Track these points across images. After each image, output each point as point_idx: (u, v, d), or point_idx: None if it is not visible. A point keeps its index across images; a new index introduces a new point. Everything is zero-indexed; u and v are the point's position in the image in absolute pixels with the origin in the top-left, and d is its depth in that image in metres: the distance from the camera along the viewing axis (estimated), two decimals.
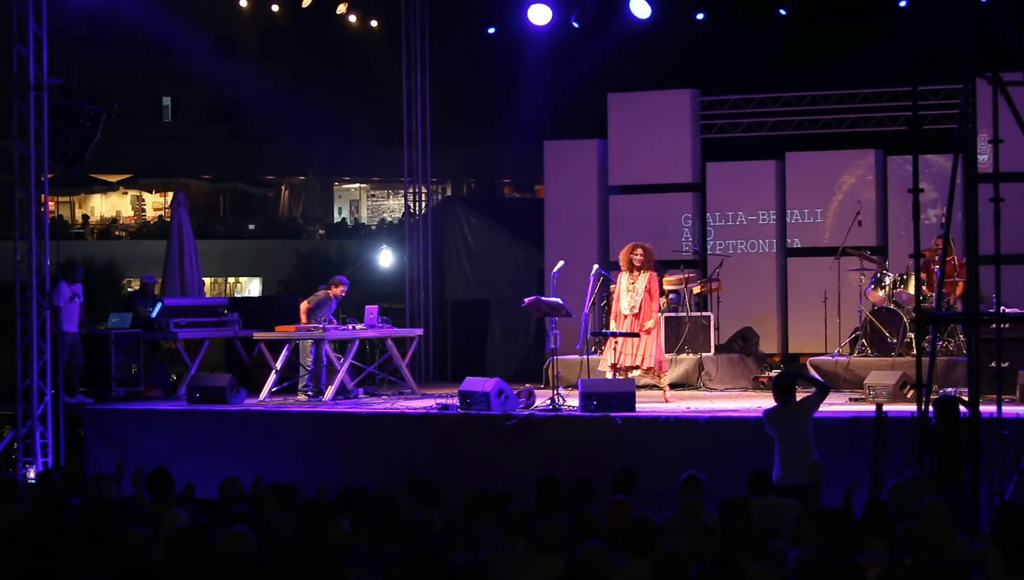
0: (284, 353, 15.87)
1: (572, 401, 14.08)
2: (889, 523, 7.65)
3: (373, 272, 26.91)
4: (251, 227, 39.30)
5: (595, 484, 9.08)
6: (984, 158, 13.14)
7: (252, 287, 36.33)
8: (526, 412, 13.81)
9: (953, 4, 11.20)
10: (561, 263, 15.14)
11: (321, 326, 15.80)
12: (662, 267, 16.17)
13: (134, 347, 16.62)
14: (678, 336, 16.36)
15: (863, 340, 15.62)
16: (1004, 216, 10.31)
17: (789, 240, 18.12)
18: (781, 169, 18.16)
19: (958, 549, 7.24)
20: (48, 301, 15.00)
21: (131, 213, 41.38)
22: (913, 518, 7.65)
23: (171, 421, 15.11)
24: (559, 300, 14.46)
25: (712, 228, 18.38)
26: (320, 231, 38.92)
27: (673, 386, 15.30)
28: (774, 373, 14.43)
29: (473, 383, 14.15)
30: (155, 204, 41.21)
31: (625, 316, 14.67)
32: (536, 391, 14.58)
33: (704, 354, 16.34)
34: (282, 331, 15.95)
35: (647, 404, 14.07)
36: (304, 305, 16.30)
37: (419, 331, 17.84)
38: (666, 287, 16.43)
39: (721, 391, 15.89)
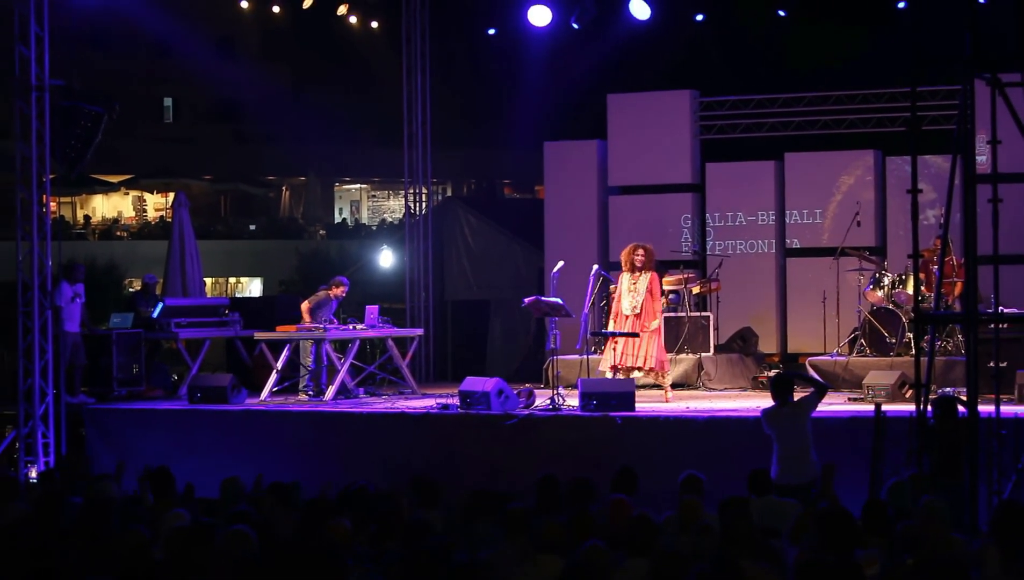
0: (285, 353, 15.90)
1: (572, 401, 14.11)
2: (888, 522, 7.69)
3: (374, 272, 26.94)
4: (252, 227, 39.33)
5: (595, 484, 9.09)
6: (982, 159, 13.17)
7: (253, 287, 36.37)
8: (526, 412, 13.84)
9: (952, 5, 11.20)
10: (561, 263, 15.18)
11: (322, 326, 15.84)
12: (662, 267, 16.20)
13: (135, 347, 16.65)
14: (677, 336, 16.39)
15: (862, 340, 15.65)
16: (1002, 217, 10.35)
17: (788, 240, 18.15)
18: (780, 170, 18.19)
19: (956, 548, 7.25)
20: (50, 301, 15.04)
21: (132, 213, 41.41)
22: (911, 517, 7.69)
23: (172, 421, 15.14)
24: (559, 300, 14.50)
25: (711, 228, 18.41)
26: (321, 231, 38.96)
27: (672, 386, 15.32)
28: (773, 373, 14.45)
29: (473, 383, 14.18)
30: (156, 204, 41.26)
31: (626, 316, 14.69)
32: (536, 391, 14.61)
33: (703, 354, 16.37)
34: (283, 331, 15.98)
35: (647, 404, 14.10)
36: (305, 305, 16.33)
37: (419, 331, 17.88)
38: (666, 287, 16.45)
39: (720, 391, 15.92)
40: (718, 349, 16.65)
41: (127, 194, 41.50)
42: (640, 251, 14.86)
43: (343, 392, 15.73)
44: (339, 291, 16.42)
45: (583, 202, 18.87)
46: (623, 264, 14.92)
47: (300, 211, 42.05)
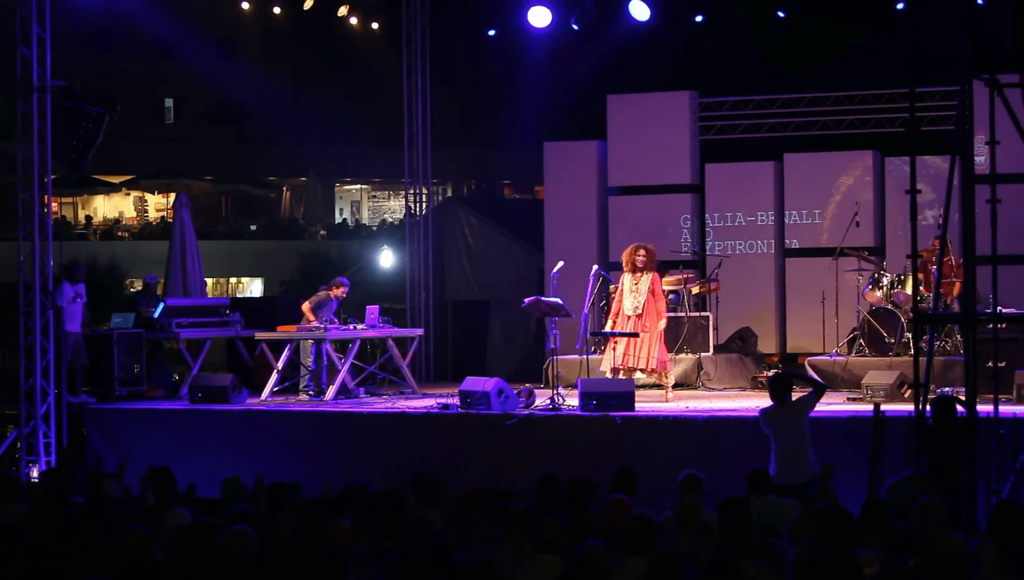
0: (286, 353, 15.93)
1: (572, 401, 14.14)
2: (887, 522, 7.71)
3: (374, 272, 26.96)
4: (253, 228, 39.37)
5: (595, 483, 9.11)
6: (981, 159, 13.20)
7: (254, 287, 36.41)
8: (526, 412, 13.87)
9: (950, 7, 11.23)
10: (561, 263, 15.21)
11: (322, 326, 15.87)
12: (662, 267, 16.24)
13: (137, 347, 16.68)
14: (677, 336, 16.41)
15: (861, 340, 15.68)
16: (1001, 217, 10.39)
17: (787, 241, 18.18)
18: (779, 170, 18.21)
19: (955, 547, 7.28)
20: (51, 301, 15.07)
21: (134, 214, 41.45)
22: (910, 517, 7.72)
23: (173, 421, 15.17)
24: (559, 300, 14.53)
25: (711, 229, 18.44)
26: (321, 232, 38.98)
27: (673, 386, 15.35)
28: (772, 373, 14.48)
29: (473, 383, 14.21)
30: (157, 205, 41.28)
31: (628, 317, 14.71)
32: (536, 391, 14.64)
33: (703, 354, 16.40)
34: (284, 331, 16.02)
35: (646, 404, 14.13)
36: (306, 306, 16.35)
37: (420, 331, 17.91)
38: (665, 287, 16.46)
39: (720, 391, 15.95)
40: (717, 349, 16.68)
41: (128, 194, 41.53)
42: (642, 252, 14.88)
43: (344, 392, 15.76)
44: (339, 291, 16.44)
45: (583, 202, 18.89)
46: (624, 265, 14.95)
47: (301, 211, 42.08)
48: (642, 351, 14.63)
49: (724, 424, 13.12)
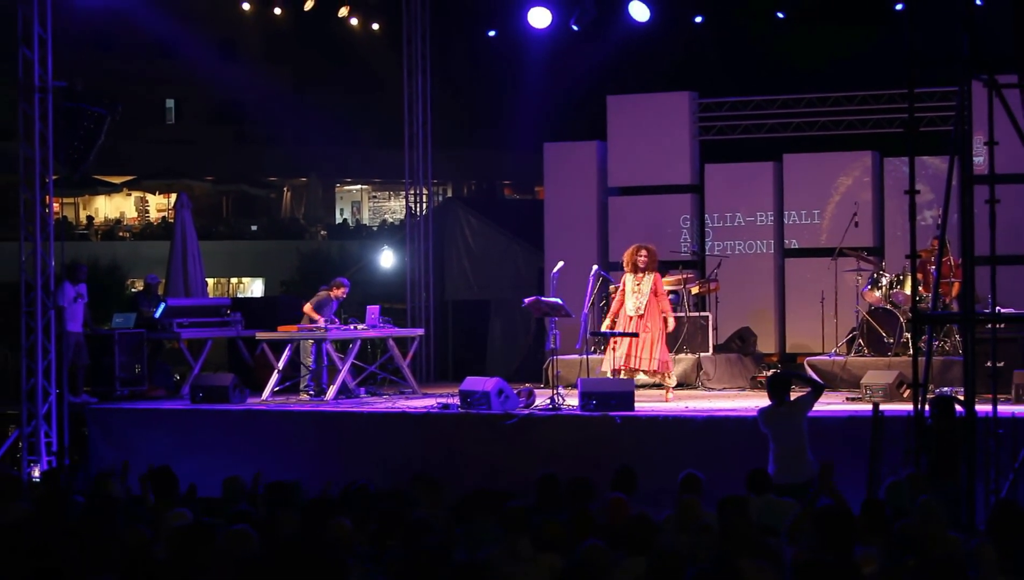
0: (286, 353, 15.96)
1: (572, 400, 14.17)
2: (886, 522, 7.74)
3: (374, 273, 26.99)
4: (254, 228, 39.38)
5: (594, 483, 9.13)
6: (980, 160, 13.24)
7: (255, 287, 36.44)
8: (526, 411, 13.90)
9: (949, 7, 11.26)
10: (561, 264, 15.24)
11: (323, 326, 15.90)
12: (662, 268, 16.27)
13: (138, 347, 16.71)
14: (676, 336, 16.42)
15: (860, 340, 15.71)
16: (999, 217, 10.41)
17: (787, 241, 18.21)
18: (779, 170, 18.24)
19: (953, 547, 7.30)
20: (52, 301, 15.10)
21: (135, 214, 41.46)
22: (909, 517, 7.74)
23: (174, 420, 15.19)
24: (559, 300, 14.56)
25: (710, 229, 18.47)
26: (322, 232, 38.99)
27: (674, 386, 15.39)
28: (771, 373, 14.51)
29: (473, 383, 14.24)
30: (159, 205, 41.30)
31: (630, 317, 14.72)
32: (536, 391, 14.67)
33: (702, 354, 16.42)
34: (284, 331, 16.05)
35: (646, 404, 14.16)
36: (308, 307, 16.38)
37: (420, 331, 17.94)
38: (665, 288, 16.50)
39: (719, 391, 15.97)
40: (717, 349, 16.71)
41: (129, 195, 41.55)
42: (643, 252, 14.90)
43: (344, 392, 15.79)
44: (340, 292, 16.48)
45: (583, 203, 18.92)
46: (625, 265, 14.96)
47: (301, 212, 42.09)
48: (644, 352, 14.65)
49: (723, 424, 13.15)
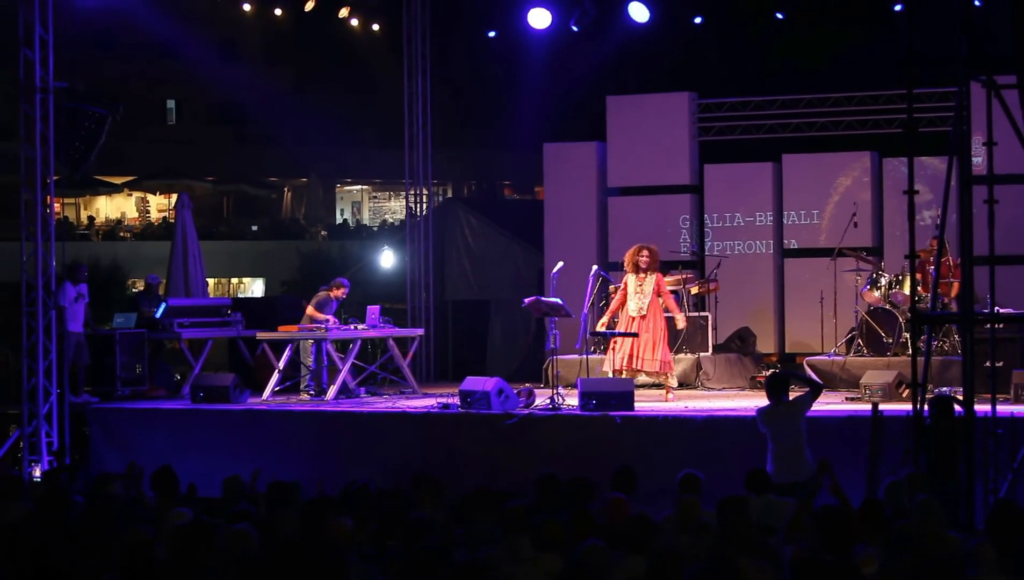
0: (287, 353, 15.99)
1: (572, 400, 14.18)
2: (885, 521, 7.76)
3: (375, 273, 27.02)
4: (254, 228, 39.39)
5: (594, 483, 9.15)
6: (978, 160, 13.27)
7: (255, 288, 36.46)
8: (526, 411, 13.92)
9: (948, 8, 11.27)
10: (561, 264, 15.26)
11: (323, 326, 15.93)
12: (662, 268, 16.28)
13: (139, 347, 16.73)
14: (676, 336, 16.46)
15: (859, 340, 15.72)
16: (998, 217, 10.43)
17: (786, 241, 18.23)
18: (778, 171, 18.27)
19: (952, 546, 7.32)
20: (53, 301, 15.13)
21: (136, 214, 41.45)
22: (908, 516, 7.76)
23: (175, 420, 15.22)
24: (559, 300, 14.57)
25: (710, 229, 18.50)
26: (322, 232, 39.00)
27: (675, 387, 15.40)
28: (770, 372, 14.53)
29: (473, 382, 14.26)
30: (159, 206, 41.30)
31: (633, 318, 14.73)
32: (536, 390, 14.69)
33: (702, 354, 16.44)
34: (285, 331, 16.07)
35: (646, 403, 14.18)
36: (310, 308, 16.40)
37: (420, 331, 17.96)
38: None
39: (719, 390, 15.99)
40: (716, 349, 16.73)
41: (130, 195, 41.54)
42: (645, 252, 14.90)
43: (344, 392, 15.82)
44: (340, 292, 16.50)
45: (582, 203, 18.95)
46: (627, 265, 14.95)
47: (302, 212, 42.09)
48: (646, 353, 14.66)
49: (723, 424, 13.16)
